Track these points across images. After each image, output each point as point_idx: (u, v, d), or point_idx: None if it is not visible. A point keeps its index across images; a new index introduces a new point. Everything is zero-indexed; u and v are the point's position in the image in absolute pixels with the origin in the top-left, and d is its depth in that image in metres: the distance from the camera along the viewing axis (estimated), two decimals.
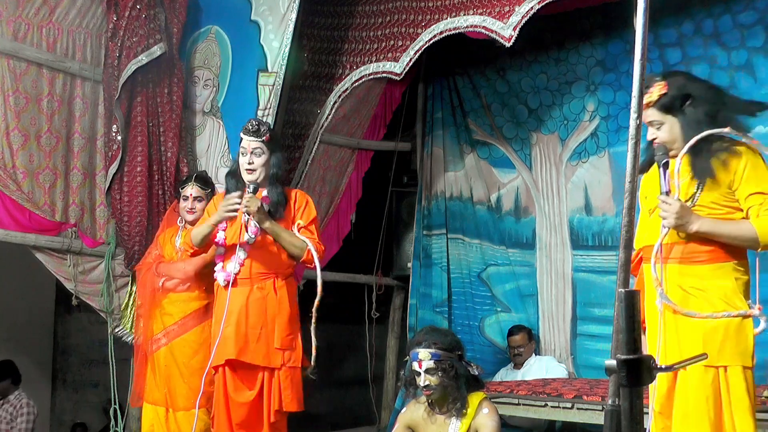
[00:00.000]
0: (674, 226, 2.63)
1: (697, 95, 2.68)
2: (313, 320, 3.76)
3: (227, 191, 3.90)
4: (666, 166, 2.64)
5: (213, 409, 3.93)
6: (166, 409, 4.30)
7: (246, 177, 3.82)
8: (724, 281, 2.67)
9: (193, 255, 4.10)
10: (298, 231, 3.82)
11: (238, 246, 3.81)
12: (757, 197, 2.63)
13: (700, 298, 2.67)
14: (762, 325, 2.60)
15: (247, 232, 3.80)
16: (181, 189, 4.48)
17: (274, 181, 3.85)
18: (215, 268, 3.92)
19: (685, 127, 2.67)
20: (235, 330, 3.76)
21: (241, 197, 3.72)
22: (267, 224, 3.74)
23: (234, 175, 3.91)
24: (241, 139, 3.87)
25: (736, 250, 2.69)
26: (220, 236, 3.87)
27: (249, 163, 3.80)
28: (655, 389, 2.73)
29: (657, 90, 2.68)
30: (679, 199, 2.63)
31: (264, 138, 3.80)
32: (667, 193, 2.63)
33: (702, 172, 2.65)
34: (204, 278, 4.20)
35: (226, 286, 3.80)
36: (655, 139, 2.71)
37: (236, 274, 3.79)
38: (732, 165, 2.64)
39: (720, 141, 2.66)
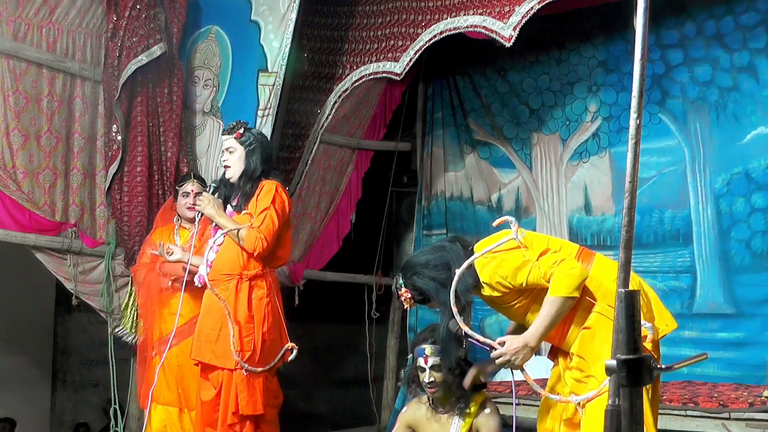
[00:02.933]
0: (524, 361, 2.79)
1: (426, 287, 2.87)
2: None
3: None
4: (466, 335, 2.86)
5: None
6: (179, 409, 4.30)
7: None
8: (594, 332, 2.69)
9: None
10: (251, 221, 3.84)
11: (207, 247, 3.90)
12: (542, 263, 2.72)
13: (590, 362, 2.69)
14: (650, 334, 2.63)
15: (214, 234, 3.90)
16: (179, 187, 4.48)
17: (245, 176, 3.88)
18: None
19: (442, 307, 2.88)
20: (197, 330, 3.88)
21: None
22: (217, 218, 3.83)
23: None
24: None
25: (575, 304, 2.70)
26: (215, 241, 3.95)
27: (223, 160, 3.93)
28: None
29: (405, 296, 2.92)
30: (501, 343, 2.79)
31: (235, 135, 3.89)
32: (493, 348, 2.79)
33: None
34: None
35: (201, 288, 3.92)
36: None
37: (206, 276, 3.87)
38: (486, 295, 2.81)
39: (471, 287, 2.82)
